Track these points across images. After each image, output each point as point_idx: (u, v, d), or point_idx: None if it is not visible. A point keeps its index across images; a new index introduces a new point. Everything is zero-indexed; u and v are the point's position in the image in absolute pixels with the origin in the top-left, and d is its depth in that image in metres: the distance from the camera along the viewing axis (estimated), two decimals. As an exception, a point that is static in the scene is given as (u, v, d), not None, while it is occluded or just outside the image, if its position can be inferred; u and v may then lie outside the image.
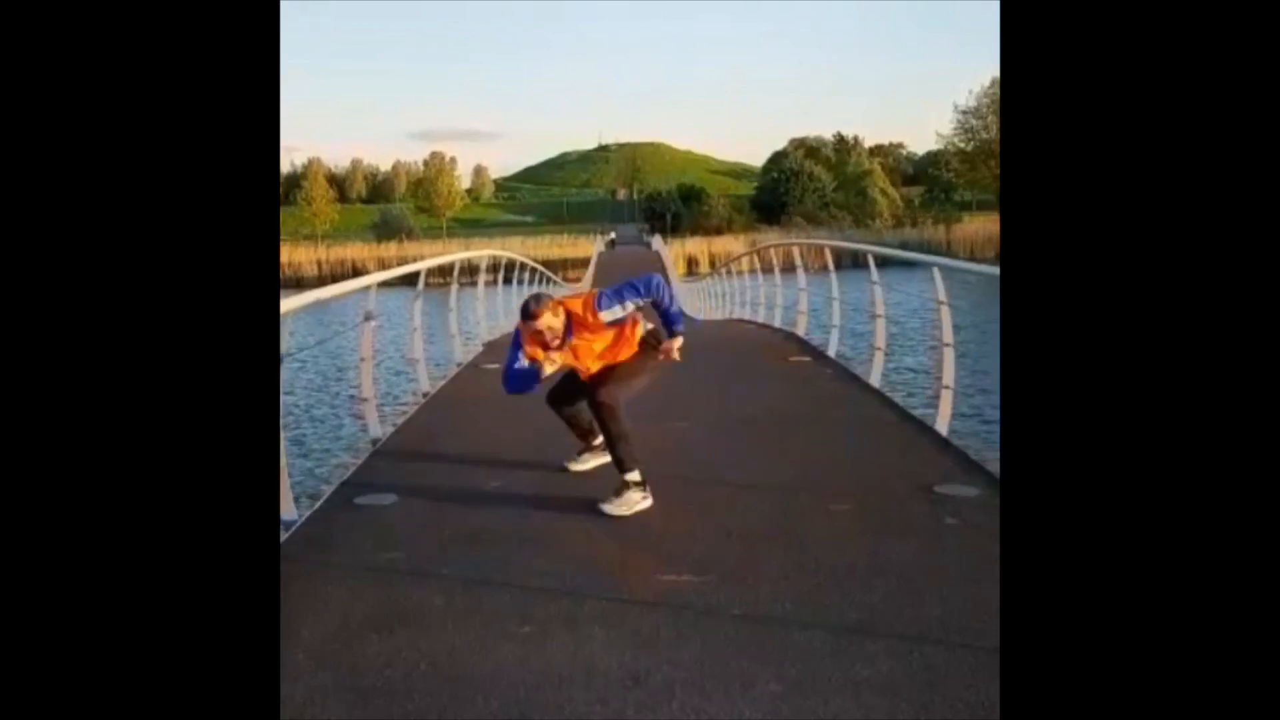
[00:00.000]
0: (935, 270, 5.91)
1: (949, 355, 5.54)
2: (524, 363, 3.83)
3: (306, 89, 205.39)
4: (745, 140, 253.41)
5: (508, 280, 13.09)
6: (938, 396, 5.57)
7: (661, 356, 3.85)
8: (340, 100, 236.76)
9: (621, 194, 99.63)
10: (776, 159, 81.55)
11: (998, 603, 1.58)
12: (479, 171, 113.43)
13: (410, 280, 7.49)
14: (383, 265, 33.41)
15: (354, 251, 54.74)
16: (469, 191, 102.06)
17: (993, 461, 4.28)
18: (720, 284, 19.01)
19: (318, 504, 3.99)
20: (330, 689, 2.33)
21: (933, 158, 78.25)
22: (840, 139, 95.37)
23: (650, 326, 3.94)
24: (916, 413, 5.84)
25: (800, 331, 9.73)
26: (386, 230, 65.68)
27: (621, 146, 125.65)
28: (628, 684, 2.32)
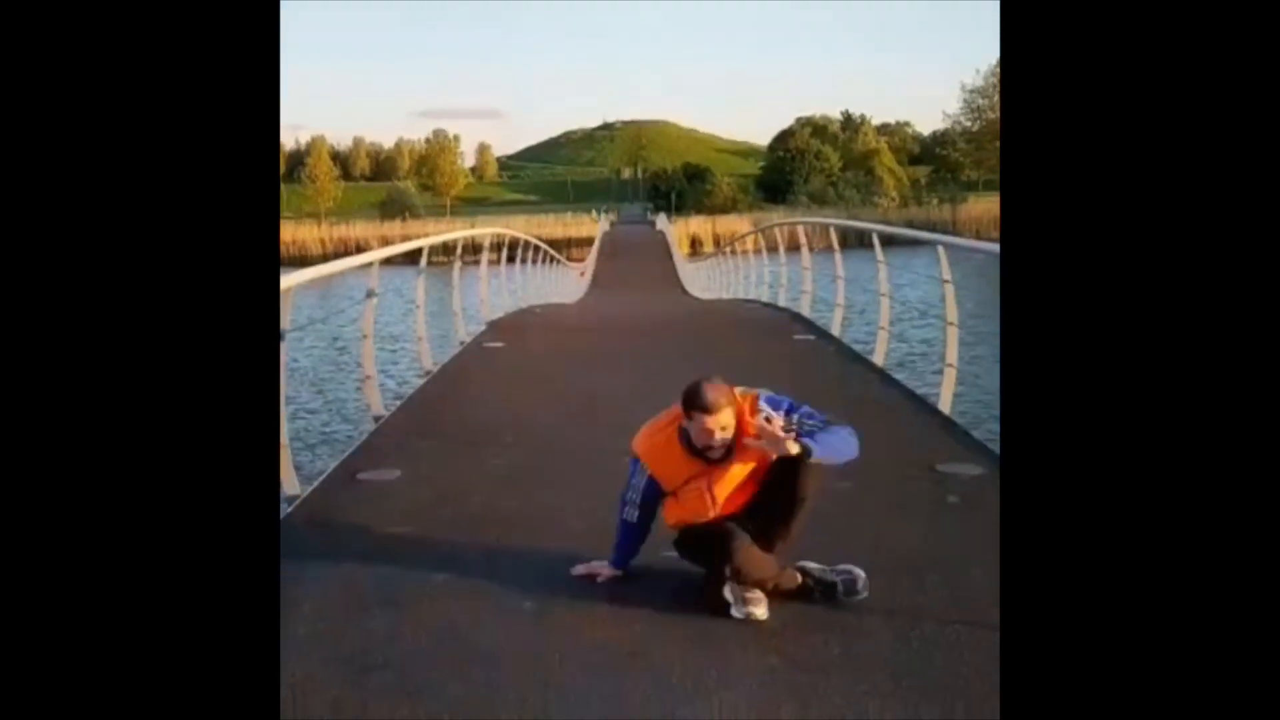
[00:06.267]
0: (940, 249, 5.88)
1: (953, 334, 5.51)
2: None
3: (308, 67, 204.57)
4: (751, 119, 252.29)
5: (510, 259, 13.07)
6: (936, 371, 5.56)
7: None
8: (342, 78, 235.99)
9: (626, 173, 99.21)
10: (783, 138, 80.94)
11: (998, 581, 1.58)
12: (482, 150, 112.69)
13: (413, 258, 7.47)
14: (387, 245, 32.99)
15: (358, 230, 54.15)
16: (473, 170, 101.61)
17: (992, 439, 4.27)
18: (724, 263, 18.96)
19: (320, 478, 4.00)
20: (332, 663, 2.34)
21: (939, 137, 77.60)
22: (847, 118, 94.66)
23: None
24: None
25: (805, 310, 9.71)
26: (391, 208, 65.38)
27: (626, 125, 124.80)
28: (628, 659, 2.33)
